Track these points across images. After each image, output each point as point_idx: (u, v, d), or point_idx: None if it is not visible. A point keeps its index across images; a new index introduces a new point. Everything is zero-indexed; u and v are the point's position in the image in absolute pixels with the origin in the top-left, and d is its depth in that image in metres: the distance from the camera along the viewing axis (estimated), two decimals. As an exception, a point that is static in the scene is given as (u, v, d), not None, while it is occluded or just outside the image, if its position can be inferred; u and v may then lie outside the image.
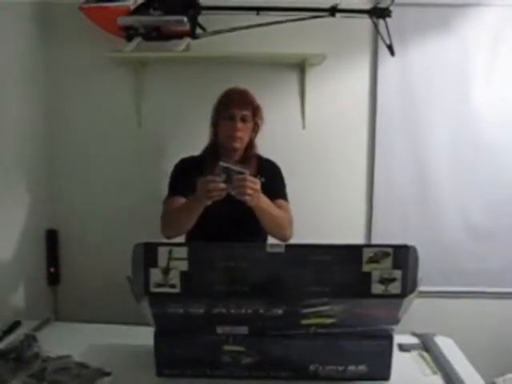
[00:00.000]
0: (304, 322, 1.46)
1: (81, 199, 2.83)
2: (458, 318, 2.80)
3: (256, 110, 2.17)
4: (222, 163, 1.77)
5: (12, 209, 2.41)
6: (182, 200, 2.03)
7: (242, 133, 2.11)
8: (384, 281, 1.39)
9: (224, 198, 1.78)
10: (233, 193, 1.78)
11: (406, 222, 2.81)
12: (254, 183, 1.79)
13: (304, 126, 2.77)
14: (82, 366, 1.60)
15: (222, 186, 1.75)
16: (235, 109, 2.10)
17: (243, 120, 2.11)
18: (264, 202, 1.91)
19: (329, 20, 2.38)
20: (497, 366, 2.37)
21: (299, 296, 1.41)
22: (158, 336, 1.55)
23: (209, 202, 1.82)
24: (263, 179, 2.12)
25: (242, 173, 1.77)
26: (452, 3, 2.64)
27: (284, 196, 2.19)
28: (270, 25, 2.38)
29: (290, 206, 2.18)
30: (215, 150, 2.19)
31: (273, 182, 2.17)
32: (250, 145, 2.20)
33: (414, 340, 1.88)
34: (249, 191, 1.77)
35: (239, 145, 2.13)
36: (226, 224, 1.97)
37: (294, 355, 1.54)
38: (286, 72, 2.74)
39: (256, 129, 2.20)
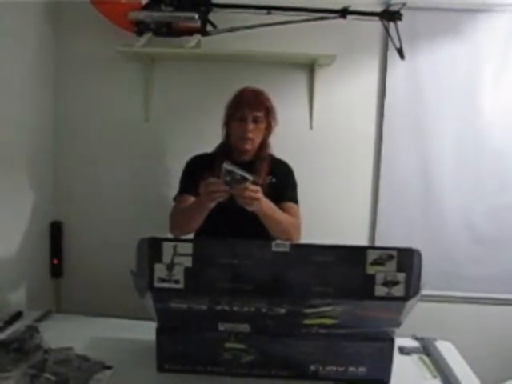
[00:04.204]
0: (306, 322, 1.46)
1: (86, 192, 2.84)
2: (459, 322, 2.80)
3: (269, 111, 2.13)
4: (225, 166, 1.73)
5: (17, 200, 2.42)
6: (190, 199, 2.02)
7: (254, 134, 2.09)
8: (387, 283, 1.39)
9: (233, 198, 1.77)
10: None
11: (409, 225, 2.81)
12: (255, 192, 1.76)
13: (311, 127, 2.78)
14: (83, 358, 1.60)
15: (224, 188, 1.73)
16: (247, 109, 2.07)
17: (255, 121, 2.08)
18: (267, 207, 1.89)
19: (339, 21, 2.38)
20: (497, 372, 2.36)
21: (302, 296, 1.41)
22: (160, 331, 1.55)
23: (212, 205, 1.81)
24: (274, 179, 2.12)
25: (245, 178, 1.73)
26: (463, 8, 2.64)
27: (294, 199, 2.16)
28: (280, 24, 2.39)
29: (299, 209, 2.16)
30: (228, 149, 2.17)
31: (284, 183, 2.16)
32: (263, 145, 2.17)
33: (415, 343, 1.88)
34: (248, 201, 1.75)
35: (250, 146, 2.11)
36: (235, 223, 1.93)
37: (295, 355, 1.54)
38: (296, 72, 2.74)
39: (269, 129, 2.17)
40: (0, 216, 2.22)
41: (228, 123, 2.17)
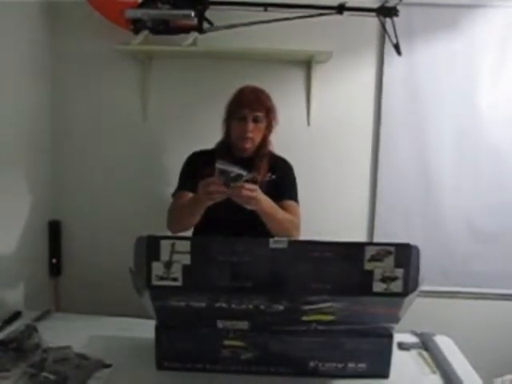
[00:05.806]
0: (305, 318, 1.46)
1: (84, 190, 2.84)
2: (457, 318, 2.80)
3: (270, 110, 2.12)
4: (218, 165, 1.72)
5: (16, 199, 2.42)
6: (189, 195, 2.01)
7: (254, 134, 2.08)
8: (386, 279, 1.39)
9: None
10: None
11: (408, 221, 2.81)
12: (252, 190, 1.76)
13: (309, 123, 2.78)
14: (82, 357, 1.60)
15: (222, 189, 1.73)
16: (247, 109, 2.06)
17: (255, 121, 2.07)
18: (267, 206, 1.88)
19: (336, 18, 2.37)
20: (496, 366, 2.37)
21: (300, 292, 1.41)
22: (158, 329, 1.55)
23: (210, 203, 1.81)
24: (274, 177, 2.11)
25: (240, 175, 1.73)
26: (460, 4, 2.64)
27: (293, 197, 2.16)
28: (277, 21, 2.37)
29: (299, 208, 2.15)
30: (227, 146, 2.17)
31: (283, 181, 2.15)
32: (263, 143, 2.16)
33: (414, 339, 1.88)
34: (245, 200, 1.76)
35: (250, 145, 2.10)
36: (234, 220, 1.91)
37: (294, 351, 1.54)
38: (293, 69, 2.74)
39: (270, 128, 2.16)
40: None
41: (228, 121, 2.17)
